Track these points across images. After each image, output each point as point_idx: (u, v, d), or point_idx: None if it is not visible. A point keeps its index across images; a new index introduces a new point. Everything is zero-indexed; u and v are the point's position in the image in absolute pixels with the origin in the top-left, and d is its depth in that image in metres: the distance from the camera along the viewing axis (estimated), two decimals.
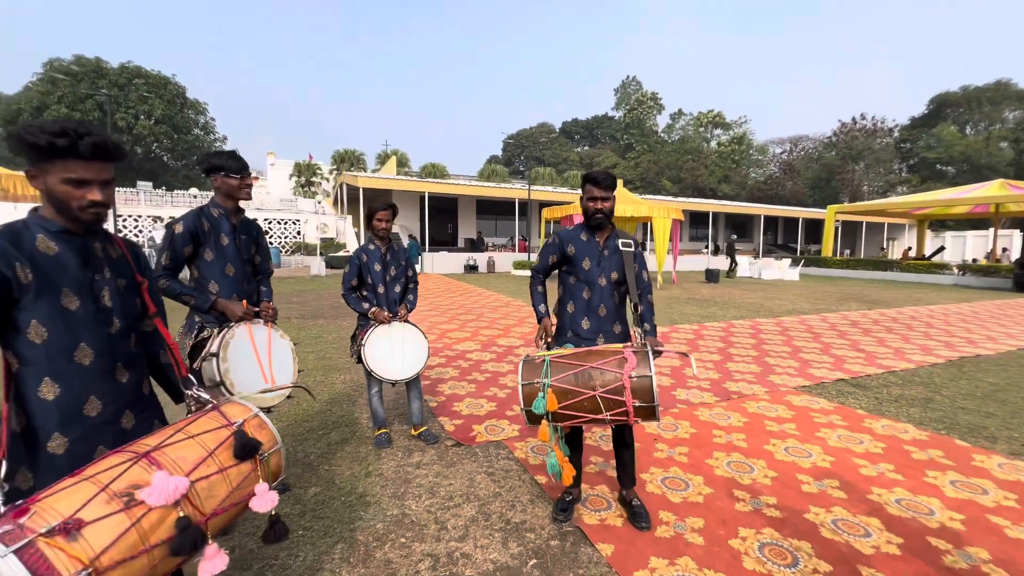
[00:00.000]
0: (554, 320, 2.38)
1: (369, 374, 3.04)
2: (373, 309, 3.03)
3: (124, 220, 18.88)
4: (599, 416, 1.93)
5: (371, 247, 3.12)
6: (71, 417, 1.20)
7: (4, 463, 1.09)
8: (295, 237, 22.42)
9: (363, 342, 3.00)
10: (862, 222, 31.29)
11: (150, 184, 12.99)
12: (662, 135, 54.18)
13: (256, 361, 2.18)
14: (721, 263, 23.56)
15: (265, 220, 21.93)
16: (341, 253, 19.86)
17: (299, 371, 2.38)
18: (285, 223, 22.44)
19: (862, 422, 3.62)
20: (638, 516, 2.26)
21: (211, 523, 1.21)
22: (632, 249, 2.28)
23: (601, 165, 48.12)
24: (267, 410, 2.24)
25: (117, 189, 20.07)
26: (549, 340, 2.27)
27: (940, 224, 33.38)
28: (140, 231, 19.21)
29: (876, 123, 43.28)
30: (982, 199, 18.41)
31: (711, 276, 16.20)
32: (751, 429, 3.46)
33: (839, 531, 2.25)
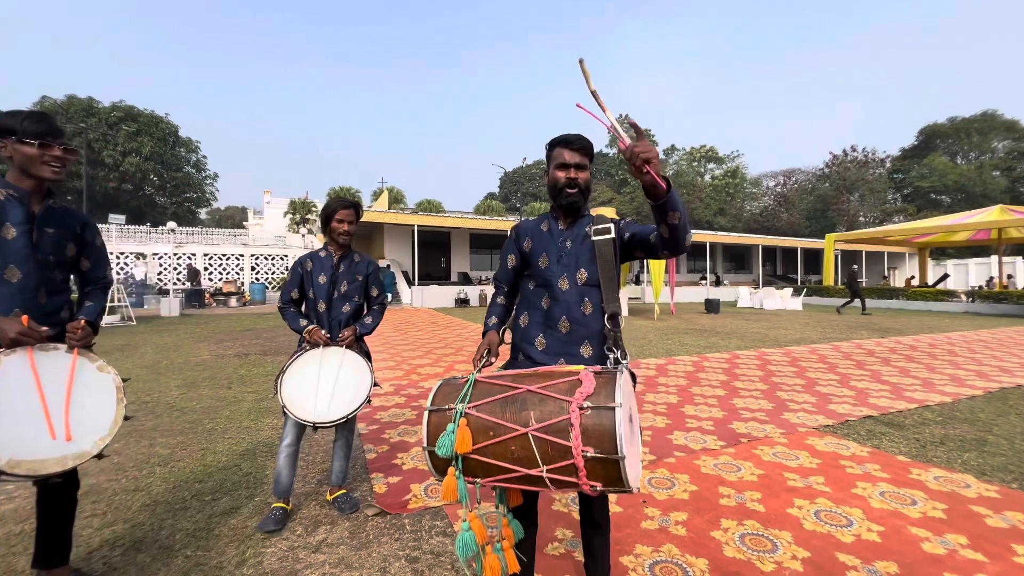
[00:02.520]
0: (508, 339, 1.72)
1: (285, 414, 2.32)
2: (311, 327, 2.37)
3: None
4: (533, 472, 1.22)
5: (321, 254, 2.50)
6: None
7: None
8: (283, 272, 21.94)
9: (286, 367, 2.31)
10: (862, 251, 30.88)
11: (123, 218, 12.47)
12: None
13: (39, 405, 1.49)
14: (723, 293, 22.91)
15: (252, 256, 21.50)
16: None
17: (125, 418, 1.67)
18: (274, 258, 22.01)
19: (908, 473, 2.86)
20: None
21: None
22: (610, 236, 1.57)
23: (597, 200, 48.37)
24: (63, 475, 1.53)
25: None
26: (493, 359, 1.59)
27: (940, 252, 33.01)
28: (123, 268, 18.70)
29: (867, 154, 43.70)
30: (983, 224, 17.99)
31: (711, 306, 15.51)
32: (768, 485, 2.70)
33: None
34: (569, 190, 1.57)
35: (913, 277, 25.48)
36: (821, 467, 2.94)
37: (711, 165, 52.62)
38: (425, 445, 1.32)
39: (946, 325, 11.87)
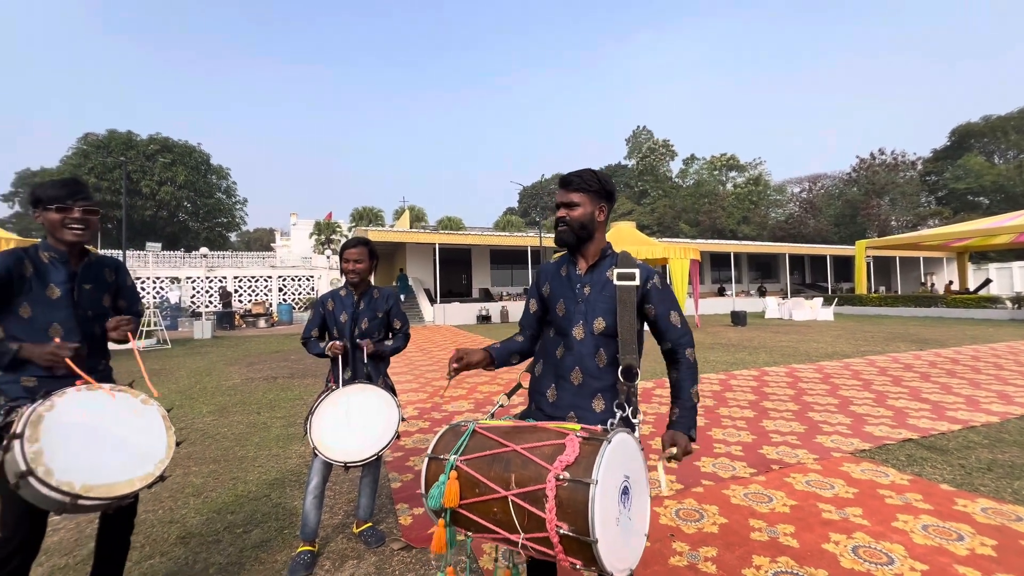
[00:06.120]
0: (526, 383, 1.69)
1: (315, 455, 2.36)
2: (331, 343, 2.44)
3: (143, 282, 19.21)
4: (513, 536, 1.16)
5: (342, 292, 2.59)
6: None
7: None
8: (309, 293, 22.48)
9: (314, 408, 2.36)
10: (895, 257, 29.80)
11: (159, 245, 13.07)
12: (676, 180, 54.31)
13: (103, 434, 1.58)
14: (749, 304, 22.36)
15: (280, 278, 22.13)
16: None
17: (177, 443, 1.73)
18: (299, 279, 22.60)
19: (952, 504, 2.72)
20: None
21: None
22: (633, 283, 1.47)
23: (616, 212, 48.21)
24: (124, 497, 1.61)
25: (130, 252, 20.65)
26: (454, 366, 1.53)
27: (981, 256, 31.58)
28: (159, 292, 19.50)
29: (897, 157, 42.47)
30: None
31: (737, 319, 15.17)
32: (802, 516, 2.61)
33: None
34: (560, 228, 1.56)
35: (951, 283, 24.43)
36: (858, 497, 2.83)
37: (732, 173, 51.96)
38: (423, 492, 1.30)
39: (989, 335, 11.30)
